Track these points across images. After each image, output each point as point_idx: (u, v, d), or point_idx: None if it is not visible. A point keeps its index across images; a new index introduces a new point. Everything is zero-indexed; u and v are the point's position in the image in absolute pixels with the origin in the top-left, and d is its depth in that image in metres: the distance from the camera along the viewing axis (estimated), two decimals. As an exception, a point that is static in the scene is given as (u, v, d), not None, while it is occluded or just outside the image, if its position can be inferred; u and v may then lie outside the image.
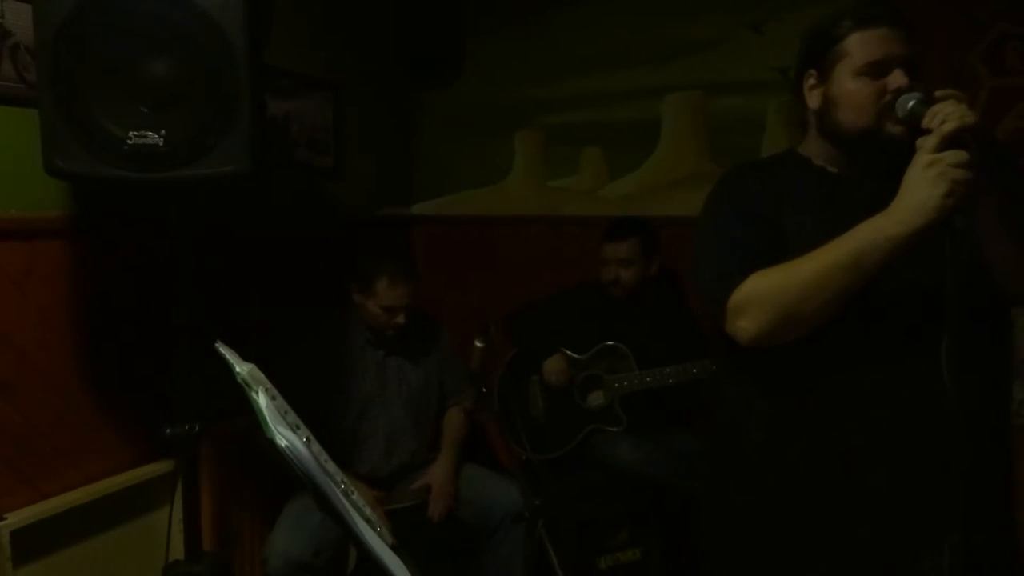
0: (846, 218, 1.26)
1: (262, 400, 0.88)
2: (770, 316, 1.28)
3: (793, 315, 1.27)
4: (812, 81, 1.41)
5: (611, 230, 2.89)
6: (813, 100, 1.41)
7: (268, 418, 0.87)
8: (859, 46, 1.33)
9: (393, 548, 0.94)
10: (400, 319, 2.53)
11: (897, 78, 1.29)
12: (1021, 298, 1.36)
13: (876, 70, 1.31)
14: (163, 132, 1.66)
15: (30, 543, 1.90)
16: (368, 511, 0.96)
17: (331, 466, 0.91)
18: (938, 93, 1.21)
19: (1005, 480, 1.38)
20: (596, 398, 2.91)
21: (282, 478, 1.06)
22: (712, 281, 1.38)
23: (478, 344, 2.12)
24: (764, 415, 1.41)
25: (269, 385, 0.91)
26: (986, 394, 1.32)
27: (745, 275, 1.31)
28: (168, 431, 1.94)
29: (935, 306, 1.15)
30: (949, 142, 1.15)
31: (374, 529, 0.92)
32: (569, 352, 2.93)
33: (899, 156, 1.22)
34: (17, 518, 1.89)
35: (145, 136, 1.66)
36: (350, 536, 0.91)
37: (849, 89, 1.34)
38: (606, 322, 2.93)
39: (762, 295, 1.29)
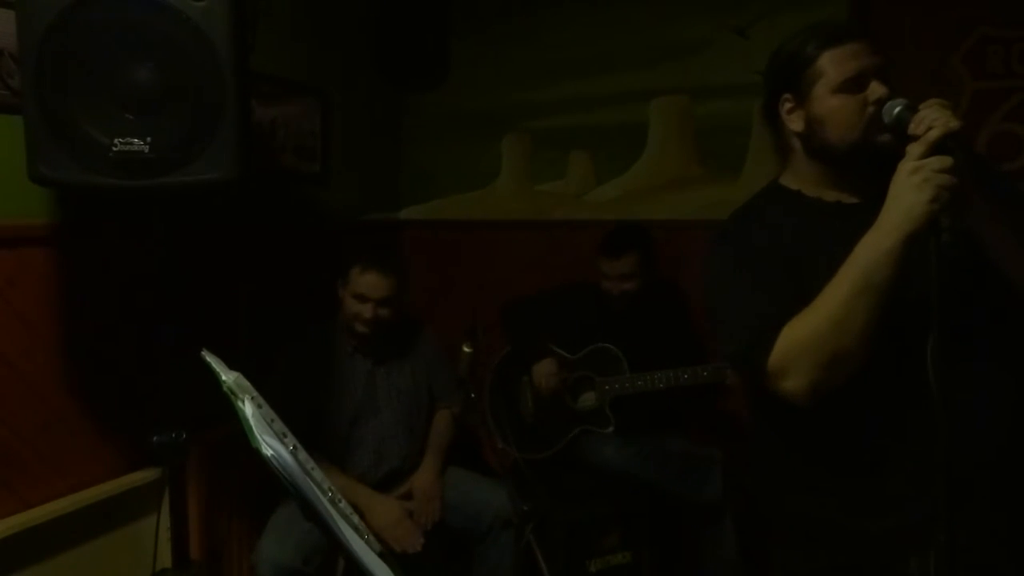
0: (854, 242, 1.25)
1: (248, 409, 0.88)
2: (816, 365, 1.25)
3: (838, 355, 1.24)
4: (789, 105, 1.41)
5: (609, 246, 2.85)
6: (795, 123, 1.41)
7: (254, 427, 0.87)
8: (832, 64, 1.34)
9: (381, 555, 0.94)
10: (368, 312, 2.48)
11: (876, 89, 1.31)
12: None
13: (853, 85, 1.33)
14: (149, 139, 1.66)
15: (15, 553, 1.89)
16: (356, 519, 0.96)
17: (318, 474, 0.91)
18: (923, 104, 1.22)
19: None
20: (587, 400, 2.91)
21: (270, 485, 1.05)
22: (743, 348, 1.34)
23: (466, 349, 2.13)
24: (771, 424, 1.43)
25: (255, 393, 0.91)
26: (1004, 398, 1.33)
27: (775, 335, 1.28)
28: (155, 439, 1.93)
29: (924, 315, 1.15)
30: (935, 148, 1.17)
31: (362, 537, 0.92)
32: (561, 351, 2.92)
33: (892, 170, 1.23)
34: (2, 527, 1.87)
35: (131, 143, 1.66)
36: (337, 545, 0.90)
37: (832, 106, 1.35)
38: (602, 323, 2.93)
39: (796, 349, 1.26)
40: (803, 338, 1.26)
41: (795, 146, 1.45)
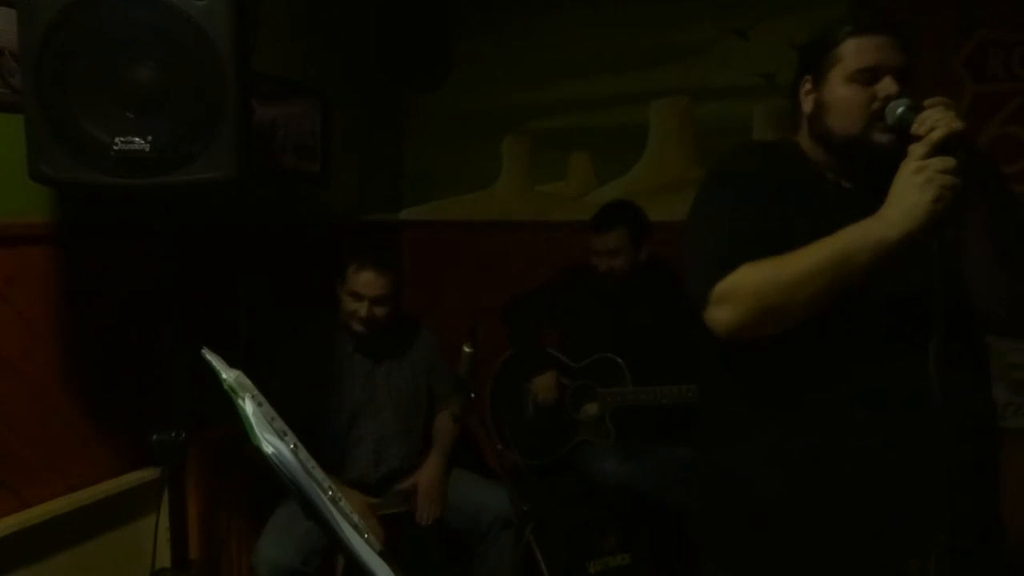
0: (839, 225, 1.25)
1: (248, 407, 0.88)
2: (750, 308, 1.28)
3: (775, 309, 1.27)
4: (808, 86, 1.42)
5: (597, 221, 2.84)
6: (806, 104, 1.43)
7: (254, 425, 0.87)
8: (853, 52, 1.34)
9: (381, 555, 0.94)
10: (363, 310, 2.49)
11: (887, 86, 1.31)
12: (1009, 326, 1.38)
13: (867, 77, 1.33)
14: (149, 138, 1.66)
15: (15, 552, 1.89)
16: (356, 518, 0.95)
17: (318, 473, 0.91)
18: (927, 101, 1.22)
19: (994, 482, 1.38)
20: (589, 410, 2.88)
21: (269, 485, 1.06)
22: (700, 269, 1.36)
23: (466, 350, 2.12)
24: (750, 419, 1.42)
25: (255, 392, 0.91)
26: (974, 396, 1.34)
27: (735, 265, 1.30)
28: (154, 438, 1.93)
29: (920, 311, 1.15)
30: (938, 149, 1.17)
31: (361, 536, 0.91)
32: (563, 358, 2.92)
33: (891, 166, 1.23)
34: (1, 527, 1.87)
35: (131, 142, 1.66)
36: (337, 544, 0.90)
37: (840, 95, 1.35)
38: (602, 309, 2.90)
39: (746, 286, 1.28)
40: (757, 280, 1.28)
41: (803, 126, 1.46)
